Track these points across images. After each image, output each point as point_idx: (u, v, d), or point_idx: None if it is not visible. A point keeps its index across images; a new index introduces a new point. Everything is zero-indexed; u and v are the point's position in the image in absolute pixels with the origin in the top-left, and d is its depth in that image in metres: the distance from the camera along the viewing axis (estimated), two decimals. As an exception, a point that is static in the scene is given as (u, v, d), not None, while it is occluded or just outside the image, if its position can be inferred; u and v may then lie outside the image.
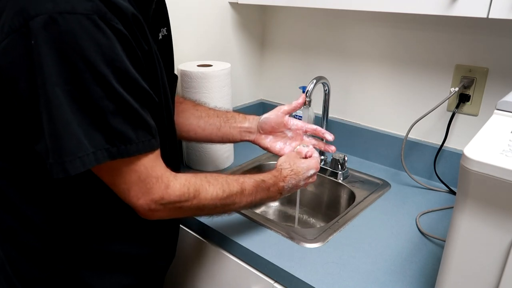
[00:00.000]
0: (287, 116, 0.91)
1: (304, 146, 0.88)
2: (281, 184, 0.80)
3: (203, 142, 0.96)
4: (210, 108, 0.95)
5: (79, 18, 0.50)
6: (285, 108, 0.91)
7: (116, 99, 0.54)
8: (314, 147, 0.90)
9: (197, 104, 0.96)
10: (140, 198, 0.61)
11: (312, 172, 0.84)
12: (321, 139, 0.93)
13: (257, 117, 0.93)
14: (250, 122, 0.93)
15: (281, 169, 0.81)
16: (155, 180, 0.61)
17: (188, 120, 0.91)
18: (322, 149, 0.92)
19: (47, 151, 0.53)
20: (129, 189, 0.60)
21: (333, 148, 0.91)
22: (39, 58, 0.50)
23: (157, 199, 0.62)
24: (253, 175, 0.77)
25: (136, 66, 0.57)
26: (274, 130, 0.91)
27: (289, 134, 0.92)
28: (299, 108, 0.92)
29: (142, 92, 0.58)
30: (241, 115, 0.95)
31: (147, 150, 0.59)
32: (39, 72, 0.51)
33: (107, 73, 0.53)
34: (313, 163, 0.84)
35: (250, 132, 0.92)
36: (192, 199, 0.66)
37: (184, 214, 0.69)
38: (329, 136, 0.90)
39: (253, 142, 0.93)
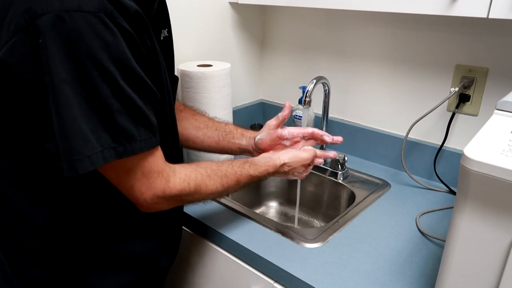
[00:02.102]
0: (279, 129, 0.89)
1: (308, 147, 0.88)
2: (272, 176, 0.83)
3: (202, 151, 0.96)
4: (209, 119, 0.95)
5: (86, 16, 0.51)
6: (273, 122, 0.89)
7: (122, 97, 0.55)
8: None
9: (196, 113, 0.95)
10: (144, 193, 0.62)
11: (297, 178, 0.88)
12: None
13: (254, 134, 0.91)
14: (247, 140, 0.92)
15: (279, 167, 0.82)
16: (156, 175, 0.63)
17: (186, 130, 0.91)
18: (328, 142, 0.90)
19: (57, 149, 0.54)
20: (132, 185, 0.61)
21: (340, 138, 0.89)
22: (47, 56, 0.50)
23: (159, 193, 0.63)
24: (251, 168, 0.79)
25: (140, 63, 0.58)
26: (272, 147, 0.90)
27: (288, 143, 0.90)
28: (286, 118, 0.89)
29: (146, 89, 0.59)
30: (239, 130, 0.93)
31: (149, 147, 0.60)
32: (47, 71, 0.51)
33: (113, 71, 0.53)
34: (304, 175, 0.87)
35: (248, 152, 0.92)
36: (193, 193, 0.68)
37: (184, 204, 0.72)
38: (328, 139, 0.88)
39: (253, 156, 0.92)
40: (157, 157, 0.63)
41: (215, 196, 0.74)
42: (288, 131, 0.89)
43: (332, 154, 0.90)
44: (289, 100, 0.94)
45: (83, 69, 0.51)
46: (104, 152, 0.54)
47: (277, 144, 0.90)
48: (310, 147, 0.89)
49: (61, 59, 0.50)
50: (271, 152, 0.86)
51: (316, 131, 0.89)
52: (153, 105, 0.61)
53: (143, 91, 0.58)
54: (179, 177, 0.66)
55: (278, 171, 0.83)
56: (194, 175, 0.68)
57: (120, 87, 0.54)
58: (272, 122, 0.90)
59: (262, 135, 0.90)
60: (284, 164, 0.82)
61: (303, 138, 0.91)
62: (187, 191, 0.67)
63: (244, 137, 0.92)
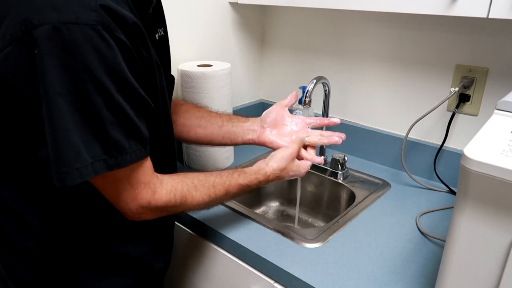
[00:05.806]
0: (287, 109, 0.92)
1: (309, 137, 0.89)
2: (263, 185, 0.82)
3: (204, 143, 0.95)
4: (212, 111, 0.95)
5: (83, 29, 0.50)
6: (284, 102, 0.92)
7: (116, 109, 0.55)
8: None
9: (198, 106, 0.96)
10: (129, 203, 0.62)
11: (295, 177, 0.85)
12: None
13: (259, 117, 0.93)
14: (252, 121, 0.93)
15: (269, 175, 0.81)
16: (143, 186, 0.62)
17: (189, 120, 0.91)
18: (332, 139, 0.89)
19: (49, 159, 0.54)
20: (118, 194, 0.61)
21: (343, 135, 0.88)
22: (42, 67, 0.50)
23: (145, 204, 0.63)
24: (240, 177, 0.78)
25: (135, 75, 0.58)
26: (277, 122, 0.90)
27: (294, 127, 0.90)
28: (295, 100, 0.92)
29: (140, 100, 0.59)
30: (243, 117, 0.95)
31: (138, 159, 0.60)
32: (41, 81, 0.51)
33: (108, 84, 0.53)
34: (302, 172, 0.85)
35: (253, 129, 0.91)
36: (178, 205, 0.68)
37: (170, 214, 0.71)
38: (336, 119, 0.89)
39: (256, 141, 0.91)
40: (146, 168, 0.63)
41: (201, 207, 0.73)
42: (294, 115, 0.91)
43: (337, 137, 0.87)
44: (289, 100, 0.94)
45: (79, 81, 0.51)
46: (94, 164, 0.54)
47: (282, 123, 0.90)
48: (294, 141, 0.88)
49: (57, 70, 0.50)
50: (261, 161, 0.84)
51: (321, 118, 0.91)
52: (146, 115, 0.61)
53: (137, 102, 0.58)
54: (165, 188, 0.66)
55: (269, 179, 0.81)
56: (180, 186, 0.68)
57: (114, 99, 0.54)
58: (282, 101, 0.92)
59: (270, 108, 0.91)
60: (274, 170, 0.81)
61: (308, 126, 0.90)
62: (173, 203, 0.67)
63: (250, 120, 0.93)
